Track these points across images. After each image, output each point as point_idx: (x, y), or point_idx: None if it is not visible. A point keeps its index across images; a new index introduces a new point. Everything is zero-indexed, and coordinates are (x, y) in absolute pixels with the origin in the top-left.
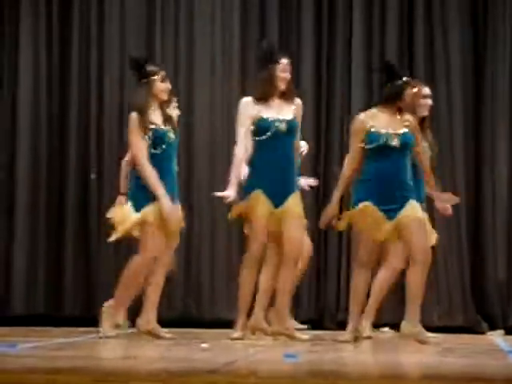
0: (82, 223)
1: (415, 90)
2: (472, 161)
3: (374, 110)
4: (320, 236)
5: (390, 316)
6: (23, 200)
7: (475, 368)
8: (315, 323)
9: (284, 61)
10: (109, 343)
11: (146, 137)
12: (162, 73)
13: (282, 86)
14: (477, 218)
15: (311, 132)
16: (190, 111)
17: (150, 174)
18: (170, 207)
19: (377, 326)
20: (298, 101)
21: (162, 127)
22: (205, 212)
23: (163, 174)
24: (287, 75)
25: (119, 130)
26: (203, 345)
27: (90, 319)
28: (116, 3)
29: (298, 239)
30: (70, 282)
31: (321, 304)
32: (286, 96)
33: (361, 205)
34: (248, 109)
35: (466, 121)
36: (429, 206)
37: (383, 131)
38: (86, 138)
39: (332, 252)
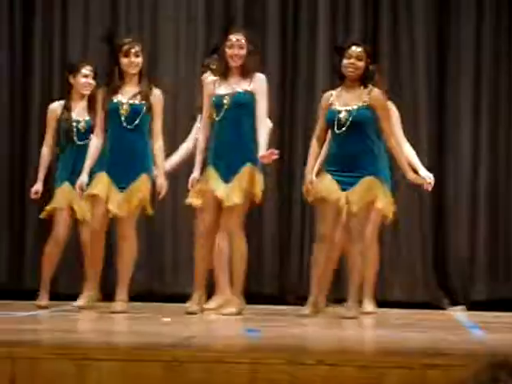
0: (44, 198)
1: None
2: (435, 138)
3: (339, 89)
4: (282, 211)
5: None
6: None
7: (435, 343)
8: (278, 299)
9: (232, 37)
10: (71, 316)
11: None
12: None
13: (232, 63)
14: (439, 192)
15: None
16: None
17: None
18: None
19: (340, 300)
20: (257, 76)
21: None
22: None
23: None
24: (233, 51)
25: None
26: (164, 319)
27: (51, 293)
28: None
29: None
30: (32, 255)
31: (283, 279)
32: (242, 72)
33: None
34: (207, 90)
35: (429, 94)
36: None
37: (337, 108)
38: None
39: (296, 224)
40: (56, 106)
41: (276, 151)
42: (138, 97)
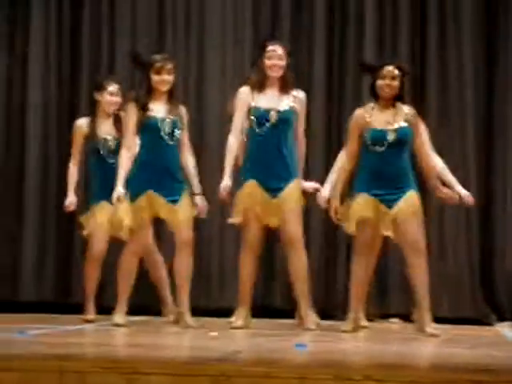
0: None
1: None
2: (483, 149)
3: (371, 105)
4: (329, 224)
5: (399, 306)
6: (33, 185)
7: (482, 359)
8: (325, 313)
9: (271, 47)
10: (118, 330)
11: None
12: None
13: (272, 74)
14: (487, 208)
15: (322, 127)
16: (200, 106)
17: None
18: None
19: (386, 316)
20: (299, 93)
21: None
22: (214, 200)
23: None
24: (273, 62)
25: None
26: (212, 333)
27: (98, 306)
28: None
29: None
30: (79, 269)
31: (330, 294)
32: (282, 85)
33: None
34: (242, 98)
35: (477, 114)
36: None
37: (379, 127)
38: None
39: (341, 241)
40: (82, 123)
41: (318, 186)
42: (173, 113)
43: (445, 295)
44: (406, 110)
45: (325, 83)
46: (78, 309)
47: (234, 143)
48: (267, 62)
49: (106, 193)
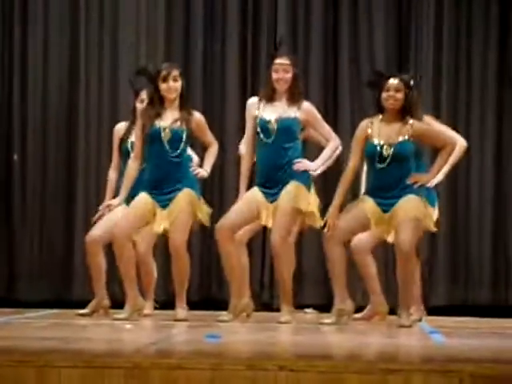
0: (4, 204)
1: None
2: None
3: (378, 117)
4: None
5: (313, 297)
6: None
7: (395, 348)
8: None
9: (277, 60)
10: (33, 324)
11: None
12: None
13: (278, 87)
14: None
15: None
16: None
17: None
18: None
19: (300, 306)
20: (305, 105)
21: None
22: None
23: None
24: (279, 76)
25: (43, 112)
26: (127, 326)
27: (12, 301)
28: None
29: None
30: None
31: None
32: (289, 96)
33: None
34: (248, 109)
35: None
36: None
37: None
38: (8, 118)
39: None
40: (119, 128)
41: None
42: (179, 122)
43: (359, 284)
44: (412, 125)
45: (239, 84)
46: None
47: (246, 164)
48: (273, 76)
49: (129, 196)
